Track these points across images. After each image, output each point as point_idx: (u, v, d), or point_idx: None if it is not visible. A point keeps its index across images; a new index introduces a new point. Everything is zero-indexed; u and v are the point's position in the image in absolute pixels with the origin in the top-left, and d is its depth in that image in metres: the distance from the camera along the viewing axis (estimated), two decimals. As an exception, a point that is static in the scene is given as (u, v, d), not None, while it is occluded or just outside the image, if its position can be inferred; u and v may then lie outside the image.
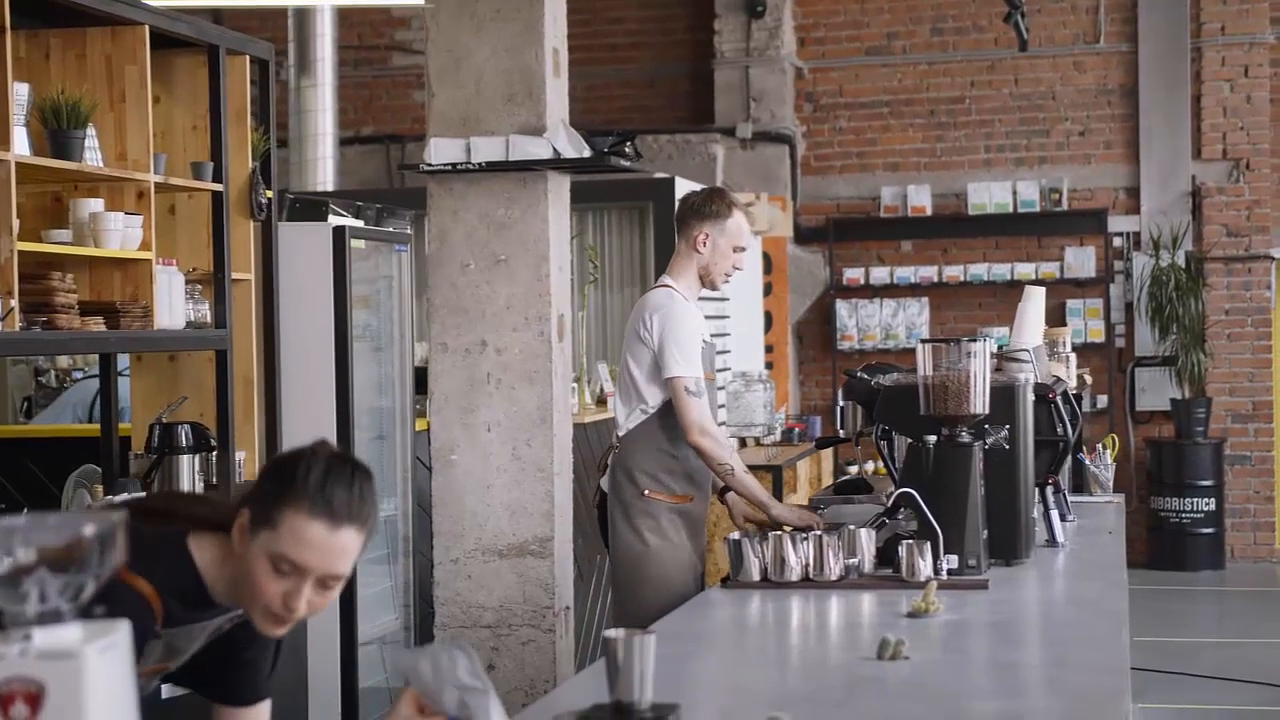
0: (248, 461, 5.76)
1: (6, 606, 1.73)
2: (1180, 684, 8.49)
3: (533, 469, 5.63)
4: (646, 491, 5.12)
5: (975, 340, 4.34)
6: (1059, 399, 4.92)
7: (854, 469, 10.43)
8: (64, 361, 8.44)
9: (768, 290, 12.18)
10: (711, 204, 5.22)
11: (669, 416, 5.11)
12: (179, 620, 2.66)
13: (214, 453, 5.50)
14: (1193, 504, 12.03)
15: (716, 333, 9.98)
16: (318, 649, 6.03)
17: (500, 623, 5.67)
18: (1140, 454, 12.46)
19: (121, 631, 1.75)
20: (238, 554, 2.61)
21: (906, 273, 12.66)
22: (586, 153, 5.58)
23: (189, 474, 5.31)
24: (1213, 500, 12.06)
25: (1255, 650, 9.50)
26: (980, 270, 12.55)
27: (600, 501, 5.34)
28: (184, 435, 5.34)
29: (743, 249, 5.24)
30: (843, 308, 12.73)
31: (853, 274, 12.74)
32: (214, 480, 5.51)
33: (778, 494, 8.70)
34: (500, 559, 5.65)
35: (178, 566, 2.65)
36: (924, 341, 4.39)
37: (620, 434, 5.23)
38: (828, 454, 10.84)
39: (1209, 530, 12.07)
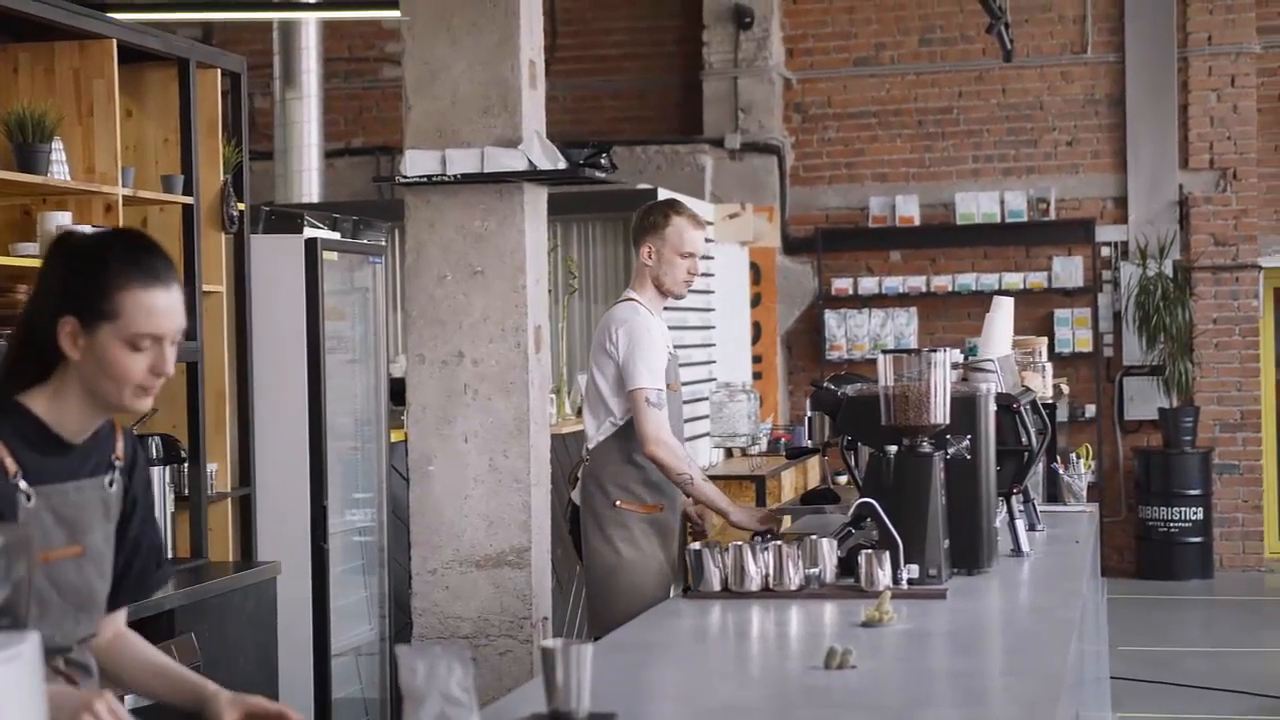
0: (219, 473, 5.77)
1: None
2: (1164, 693, 8.50)
3: (510, 480, 5.63)
4: (618, 502, 5.20)
5: (936, 351, 4.36)
6: (1024, 409, 4.93)
7: (844, 479, 10.43)
8: None
9: (756, 300, 12.20)
10: (649, 216, 5.35)
11: None
12: (43, 474, 2.66)
13: (185, 464, 5.51)
14: (1181, 513, 12.03)
15: (702, 343, 10.04)
16: (290, 659, 6.04)
17: (478, 633, 5.67)
18: (1128, 463, 12.47)
19: (29, 643, 1.77)
20: (78, 360, 2.65)
21: (895, 283, 12.67)
22: (561, 164, 5.58)
23: (160, 486, 5.32)
24: (1201, 509, 12.06)
25: (1241, 659, 9.51)
26: (968, 280, 12.56)
27: (573, 514, 5.41)
28: (155, 447, 5.35)
29: (690, 254, 5.31)
30: (831, 318, 12.74)
31: (841, 284, 12.76)
32: (185, 492, 5.53)
33: (760, 504, 8.71)
34: (477, 569, 5.66)
35: (16, 419, 2.66)
36: (885, 352, 4.40)
37: (590, 446, 5.32)
38: (814, 464, 10.85)
39: (1197, 539, 12.08)
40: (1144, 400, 12.40)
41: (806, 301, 12.86)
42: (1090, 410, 12.37)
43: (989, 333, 5.47)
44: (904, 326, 12.67)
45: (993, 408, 4.62)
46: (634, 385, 5.13)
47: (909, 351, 4.37)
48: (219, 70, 5.84)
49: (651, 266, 5.29)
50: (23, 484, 2.62)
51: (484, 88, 5.59)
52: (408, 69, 5.67)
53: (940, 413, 4.32)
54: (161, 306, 2.66)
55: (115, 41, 5.15)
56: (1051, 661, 3.30)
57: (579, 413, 8.36)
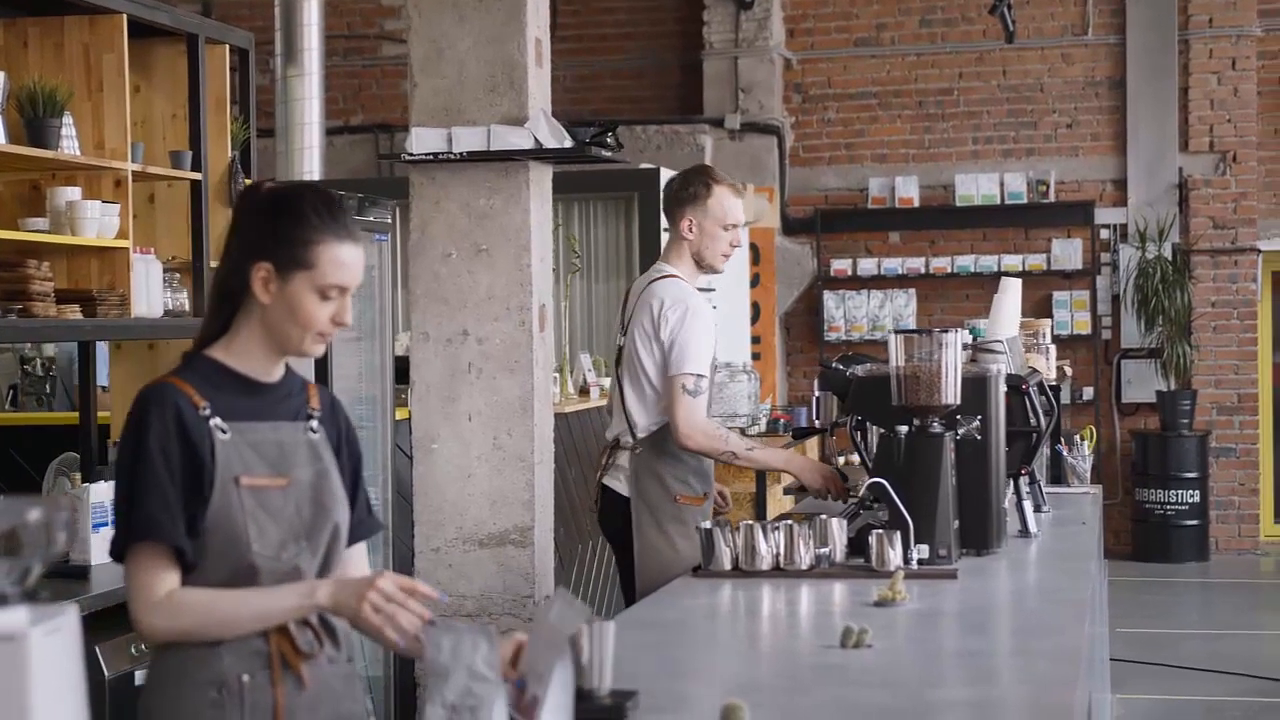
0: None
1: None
2: (1161, 675, 8.53)
3: (514, 458, 5.63)
4: (678, 497, 5.05)
5: (947, 331, 4.35)
6: (1033, 390, 4.94)
7: (841, 460, 10.45)
8: (50, 349, 8.44)
9: (755, 281, 12.21)
10: (689, 187, 5.12)
11: None
12: (235, 412, 2.81)
13: (192, 441, 5.50)
14: (1177, 496, 12.06)
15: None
16: (296, 637, 6.03)
17: (481, 612, 5.68)
18: (1125, 446, 12.50)
19: (70, 615, 1.77)
20: (267, 304, 2.81)
21: (894, 264, 12.68)
22: (568, 143, 5.57)
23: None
24: (1197, 492, 12.09)
25: (1237, 641, 9.54)
26: (967, 262, 12.57)
27: (603, 503, 5.27)
28: (162, 423, 5.34)
29: (733, 226, 5.10)
30: (830, 299, 12.75)
31: (840, 265, 12.77)
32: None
33: (761, 484, 8.72)
34: (481, 548, 5.66)
35: (200, 366, 2.85)
36: (896, 332, 4.40)
37: (640, 435, 5.11)
38: (815, 444, 10.87)
39: (1193, 522, 12.11)
40: (1142, 383, 12.42)
41: (805, 282, 12.87)
42: (1088, 393, 12.38)
43: (997, 314, 5.47)
44: (903, 308, 12.68)
45: (1003, 388, 4.62)
46: (675, 370, 4.91)
47: (920, 332, 4.36)
48: (227, 46, 5.82)
49: (692, 240, 5.07)
50: (215, 419, 2.77)
51: (490, 65, 5.59)
52: (414, 46, 5.66)
53: (951, 393, 4.32)
54: (352, 260, 2.84)
55: (125, 16, 5.14)
56: (1066, 642, 3.31)
57: (582, 392, 8.36)
